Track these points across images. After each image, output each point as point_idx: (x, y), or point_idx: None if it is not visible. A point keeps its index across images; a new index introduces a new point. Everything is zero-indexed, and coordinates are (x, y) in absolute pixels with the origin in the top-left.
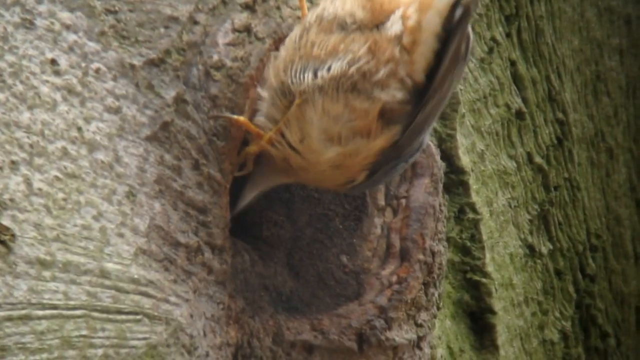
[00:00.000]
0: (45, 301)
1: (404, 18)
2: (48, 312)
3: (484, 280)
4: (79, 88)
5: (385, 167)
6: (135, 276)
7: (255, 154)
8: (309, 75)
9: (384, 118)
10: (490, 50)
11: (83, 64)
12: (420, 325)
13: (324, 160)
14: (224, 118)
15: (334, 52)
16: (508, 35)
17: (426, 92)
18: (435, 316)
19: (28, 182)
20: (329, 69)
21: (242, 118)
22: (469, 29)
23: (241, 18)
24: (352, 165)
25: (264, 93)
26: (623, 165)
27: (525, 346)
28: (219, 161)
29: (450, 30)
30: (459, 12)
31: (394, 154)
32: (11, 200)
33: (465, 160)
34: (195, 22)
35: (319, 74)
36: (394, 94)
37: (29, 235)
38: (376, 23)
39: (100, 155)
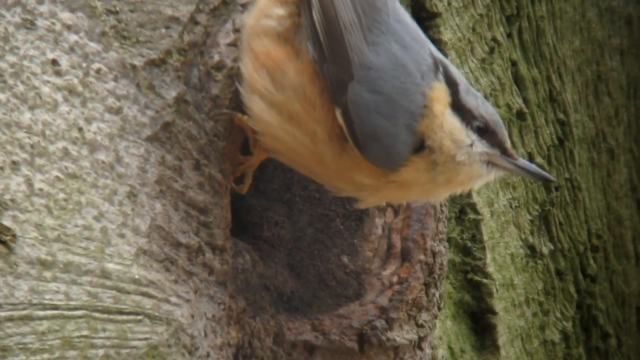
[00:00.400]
0: (46, 301)
1: None
2: (49, 312)
3: (484, 280)
4: (80, 88)
5: (349, 94)
6: (136, 276)
7: (255, 166)
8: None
9: (285, 43)
10: (491, 51)
11: (84, 65)
12: (421, 326)
13: (277, 125)
14: (226, 114)
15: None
16: (509, 35)
17: None
18: (436, 316)
19: (29, 182)
20: (243, 37)
21: (245, 117)
22: None
23: (242, 18)
24: (306, 111)
25: None
26: (624, 166)
27: (526, 346)
28: (220, 162)
29: None
30: None
31: (340, 71)
32: (12, 200)
33: None
34: (196, 23)
35: (242, 48)
36: (276, 12)
37: (30, 235)
38: None
39: (101, 156)
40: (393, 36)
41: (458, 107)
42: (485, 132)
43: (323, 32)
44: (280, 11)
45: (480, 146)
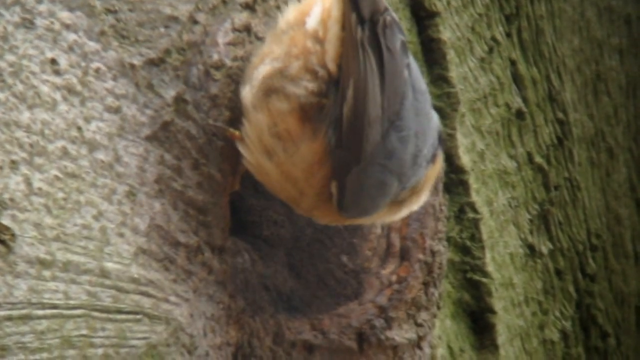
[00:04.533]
0: (45, 301)
1: (322, 10)
2: (48, 311)
3: (484, 279)
4: (79, 87)
5: (352, 174)
6: (136, 276)
7: (244, 170)
8: (246, 89)
9: (307, 120)
10: (491, 50)
11: (83, 64)
12: (420, 325)
13: (272, 177)
14: (218, 128)
15: (264, 57)
16: (508, 34)
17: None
18: (435, 316)
19: (28, 181)
20: (257, 75)
21: (237, 133)
22: (388, 18)
23: (241, 18)
24: (305, 178)
25: None
26: (623, 165)
27: (526, 346)
28: (219, 161)
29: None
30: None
31: (349, 157)
32: (11, 199)
33: (465, 159)
34: (195, 22)
35: (252, 83)
36: (306, 86)
37: (29, 234)
38: (303, 21)
39: (101, 155)
40: (405, 132)
41: None
42: None
43: (347, 125)
44: (310, 85)
45: None
